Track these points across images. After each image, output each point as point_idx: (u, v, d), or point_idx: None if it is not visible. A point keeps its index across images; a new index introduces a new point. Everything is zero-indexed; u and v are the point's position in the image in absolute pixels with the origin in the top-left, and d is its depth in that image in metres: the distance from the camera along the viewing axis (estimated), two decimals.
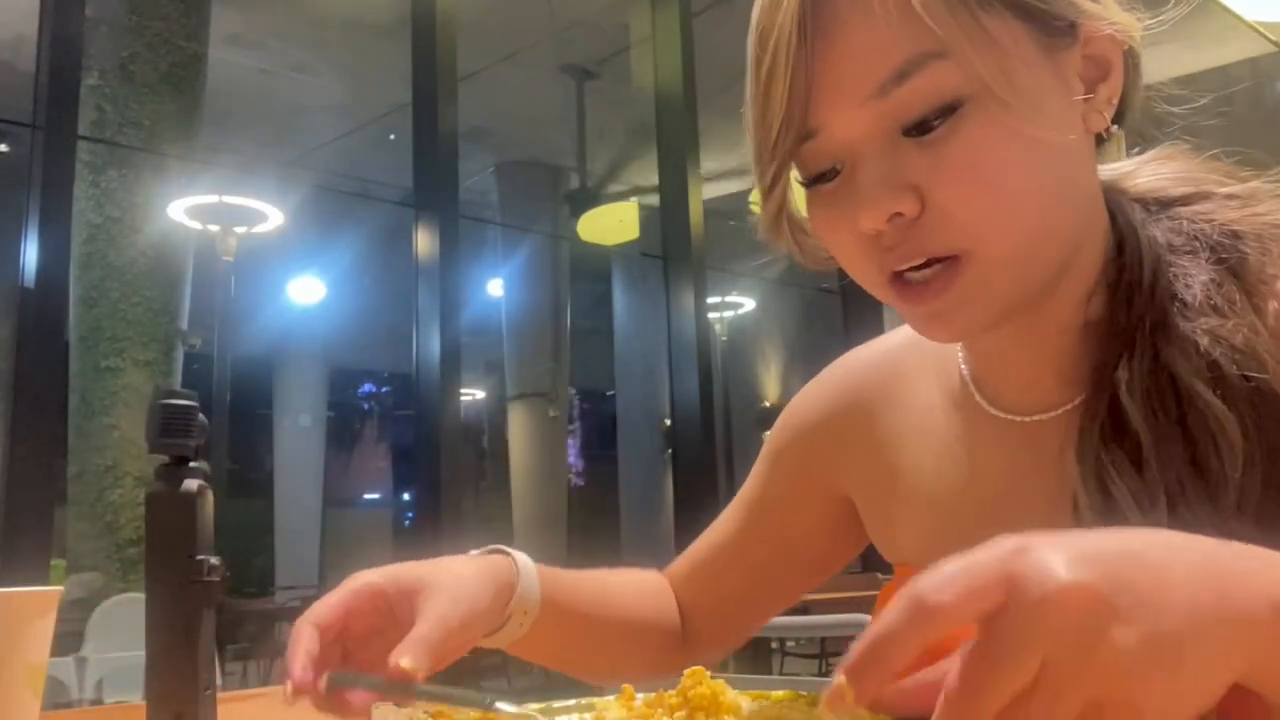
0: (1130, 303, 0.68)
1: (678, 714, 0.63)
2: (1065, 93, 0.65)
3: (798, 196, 0.74)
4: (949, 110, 0.62)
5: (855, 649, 0.42)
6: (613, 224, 8.64)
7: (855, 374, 0.91)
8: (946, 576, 0.42)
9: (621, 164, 10.20)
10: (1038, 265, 0.67)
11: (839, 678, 0.42)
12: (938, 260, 0.65)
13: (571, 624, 0.86)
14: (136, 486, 5.98)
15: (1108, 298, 0.70)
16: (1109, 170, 0.77)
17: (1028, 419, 0.74)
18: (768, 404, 11.77)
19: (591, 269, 11.97)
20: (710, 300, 8.07)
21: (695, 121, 6.95)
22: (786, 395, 12.05)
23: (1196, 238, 0.69)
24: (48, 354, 4.37)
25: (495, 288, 11.39)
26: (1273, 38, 8.10)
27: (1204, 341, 0.64)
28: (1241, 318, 0.64)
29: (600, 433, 16.27)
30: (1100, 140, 0.72)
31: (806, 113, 0.65)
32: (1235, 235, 0.68)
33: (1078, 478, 0.65)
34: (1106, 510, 0.63)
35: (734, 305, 11.21)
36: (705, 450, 6.73)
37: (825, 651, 6.24)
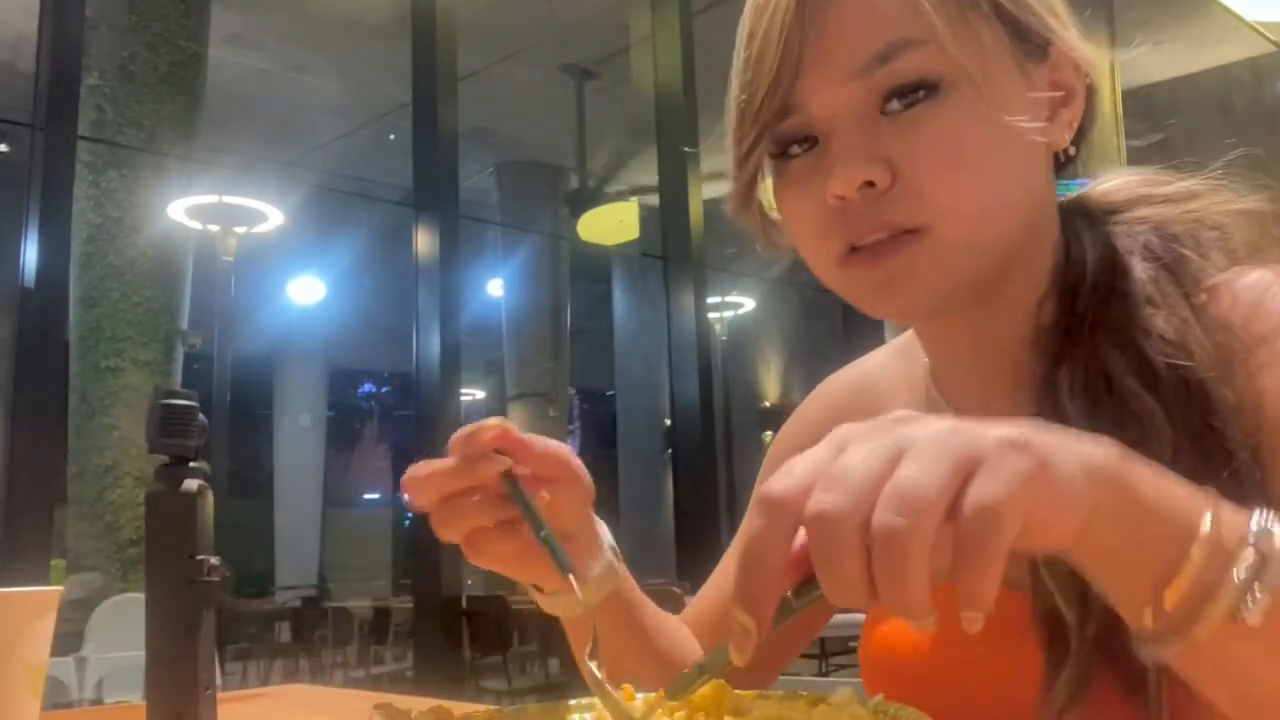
0: (1073, 306, 0.71)
1: (678, 714, 0.62)
2: (1033, 103, 0.68)
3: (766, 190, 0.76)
4: (927, 91, 0.65)
5: (737, 583, 0.44)
6: (612, 224, 8.64)
7: (838, 400, 0.93)
8: (782, 471, 0.45)
9: (621, 164, 10.20)
10: (988, 254, 0.69)
11: (738, 616, 0.44)
12: (897, 235, 0.67)
13: (631, 619, 0.87)
14: (136, 486, 5.98)
15: (1057, 302, 0.72)
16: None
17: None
18: (767, 404, 11.77)
19: (591, 269, 11.97)
20: (710, 300, 8.07)
21: (695, 121, 6.94)
22: (786, 395, 12.05)
23: (1135, 240, 0.72)
24: (48, 354, 4.37)
25: (495, 288, 11.40)
26: (1272, 37, 8.10)
27: (1137, 336, 0.67)
28: (1174, 310, 0.67)
29: (600, 433, 16.27)
30: (1059, 164, 0.75)
31: (793, 84, 0.68)
32: (1171, 236, 0.71)
33: None
34: None
35: (734, 305, 11.22)
36: (705, 450, 6.73)
37: (825, 651, 6.23)
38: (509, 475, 0.70)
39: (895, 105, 0.66)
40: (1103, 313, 0.69)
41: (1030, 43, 0.69)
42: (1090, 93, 0.73)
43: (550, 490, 0.73)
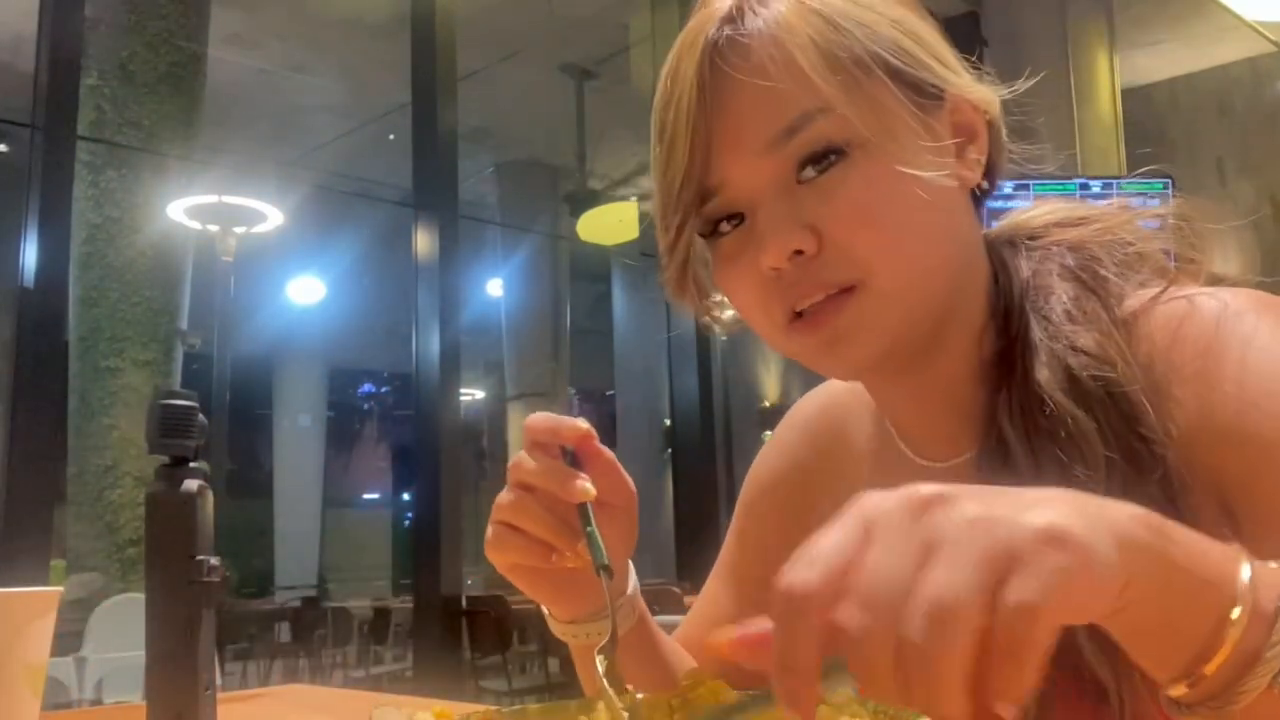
0: (1007, 332, 0.73)
1: (678, 715, 0.63)
2: (938, 149, 0.71)
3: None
4: (836, 155, 0.69)
5: (777, 683, 0.43)
6: (612, 224, 8.62)
7: (811, 421, 0.95)
8: (804, 561, 0.43)
9: (621, 164, 10.19)
10: (924, 300, 0.71)
11: (786, 714, 0.43)
12: (835, 295, 0.70)
13: (648, 650, 0.88)
14: (136, 486, 5.97)
15: (994, 336, 0.75)
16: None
17: (945, 465, 0.78)
18: (768, 404, 11.75)
19: (591, 269, 11.96)
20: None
21: None
22: (786, 394, 12.04)
23: (1054, 261, 0.75)
24: (47, 354, 4.37)
25: (495, 288, 11.38)
26: (1272, 37, 8.09)
27: (1063, 353, 0.69)
28: (1095, 325, 0.70)
29: (600, 432, 16.09)
30: (976, 198, 0.78)
31: (708, 168, 0.71)
32: (1089, 255, 0.74)
33: None
34: None
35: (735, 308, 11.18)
36: (705, 450, 6.72)
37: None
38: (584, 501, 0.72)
39: (810, 172, 0.69)
40: (1030, 334, 0.71)
41: (925, 95, 0.72)
42: (992, 127, 0.76)
43: (607, 516, 0.75)
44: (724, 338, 9.21)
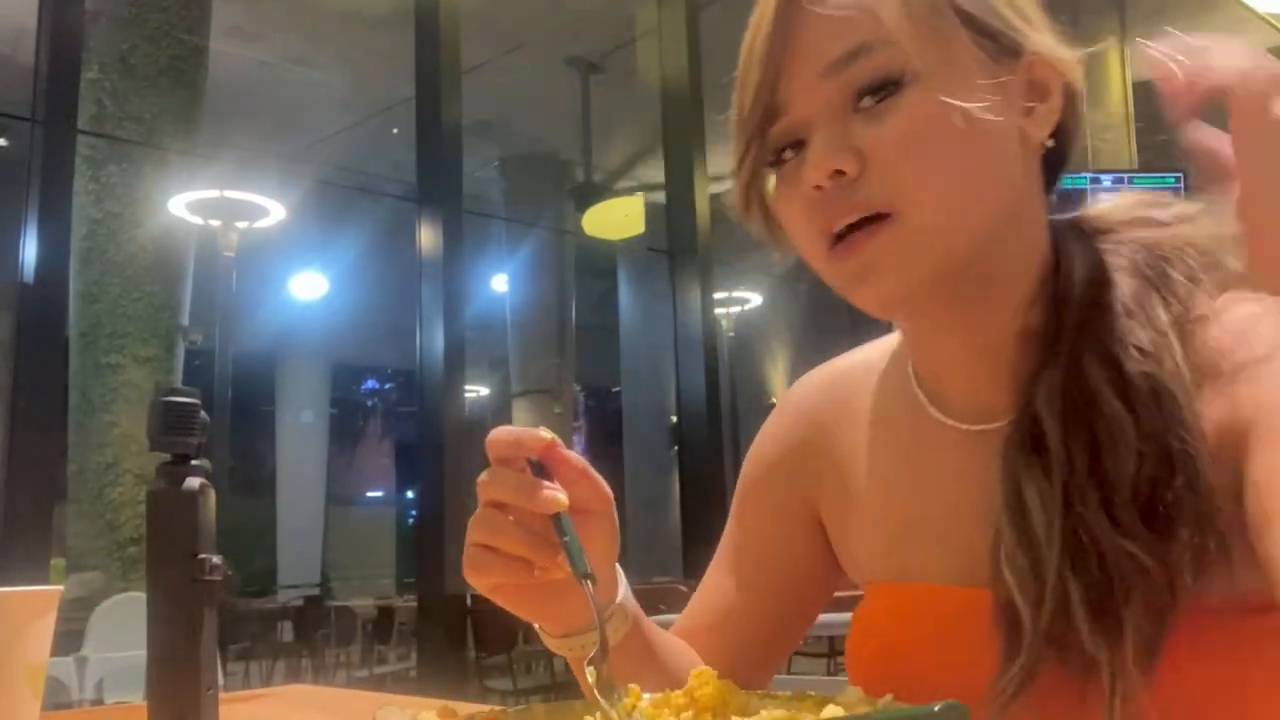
0: (1060, 314, 0.74)
1: (684, 714, 0.62)
2: (1004, 98, 0.72)
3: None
4: (892, 86, 0.71)
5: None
6: (618, 218, 8.61)
7: (809, 399, 0.95)
8: None
9: (627, 158, 10.18)
10: (961, 241, 0.72)
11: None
12: (870, 220, 0.71)
13: (647, 654, 0.87)
14: (137, 484, 5.96)
15: (1044, 311, 0.76)
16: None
17: (973, 428, 0.79)
18: (774, 400, 11.75)
19: (597, 264, 11.98)
20: (717, 295, 8.04)
21: (701, 115, 6.92)
22: None
23: (1123, 256, 0.76)
24: (48, 351, 4.36)
25: (499, 283, 11.39)
26: None
27: (1114, 347, 0.71)
28: (1153, 324, 0.71)
29: (606, 430, 16.24)
30: (1049, 166, 0.79)
31: (775, 90, 0.74)
32: (1161, 255, 0.75)
33: (997, 483, 0.71)
34: (1018, 512, 0.69)
35: (741, 300, 11.19)
36: (712, 447, 6.72)
37: (833, 650, 6.16)
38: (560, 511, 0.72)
39: (867, 101, 0.71)
40: (1086, 323, 0.73)
41: (1000, 45, 0.73)
42: (1069, 93, 0.77)
43: (585, 523, 0.75)
44: (731, 334, 9.22)
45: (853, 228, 0.72)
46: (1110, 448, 0.67)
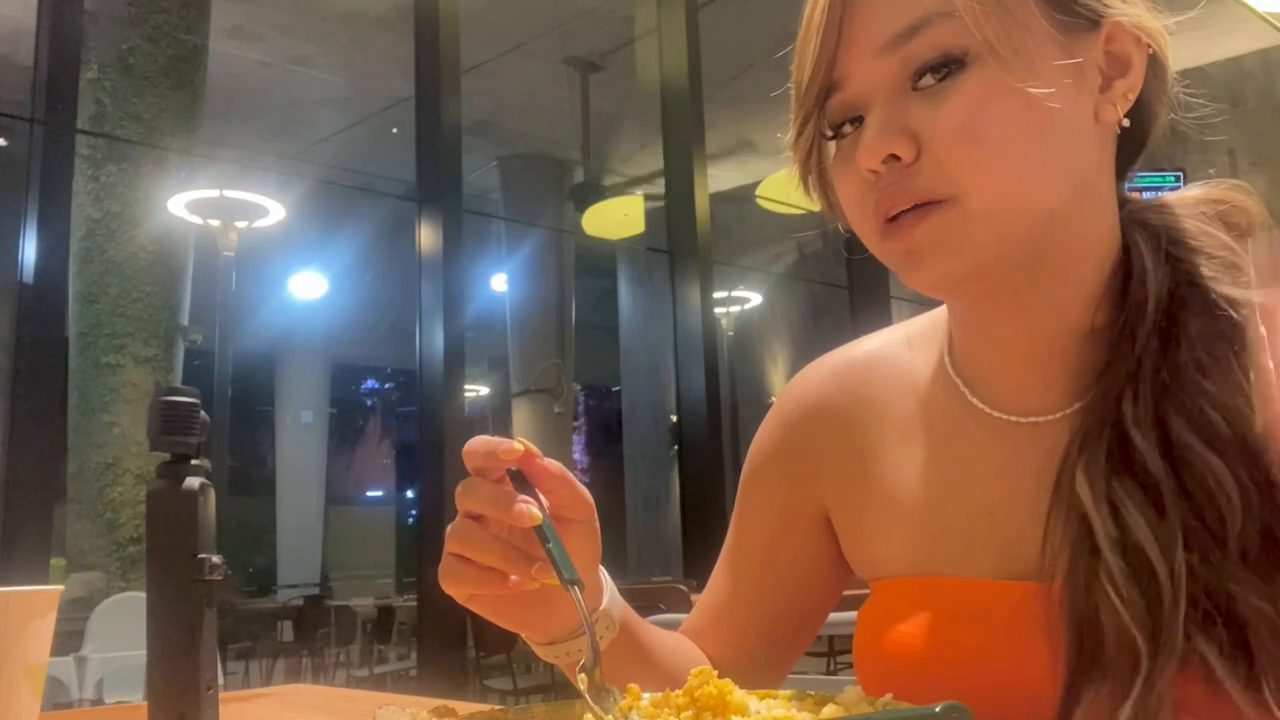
0: (1134, 337, 0.70)
1: (684, 714, 0.62)
2: (1077, 76, 0.69)
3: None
4: (954, 64, 0.67)
5: None
6: (618, 218, 8.62)
7: (811, 390, 0.93)
8: None
9: (626, 157, 10.17)
10: (1020, 229, 0.69)
11: None
12: (923, 205, 0.69)
13: (639, 655, 0.86)
14: (137, 484, 5.96)
15: (1112, 315, 0.72)
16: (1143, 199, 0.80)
17: (1023, 420, 0.76)
18: (775, 400, 11.75)
19: (596, 264, 11.96)
20: (717, 295, 8.03)
21: (701, 114, 6.91)
22: None
23: (1199, 290, 0.71)
24: (47, 350, 4.35)
25: (499, 283, 11.37)
26: None
27: (1194, 398, 0.67)
28: (1229, 375, 0.67)
29: (606, 429, 16.23)
30: (1127, 144, 0.75)
31: (834, 64, 0.72)
32: (1230, 300, 0.70)
33: (1089, 503, 0.67)
34: (1124, 542, 0.65)
35: (741, 300, 11.17)
36: (712, 447, 6.71)
37: (833, 650, 6.16)
38: (542, 517, 0.71)
39: (928, 80, 0.68)
40: (1162, 360, 0.69)
41: (1076, 16, 0.69)
42: (1155, 63, 0.72)
43: (566, 531, 0.74)
44: (731, 334, 9.22)
45: (906, 210, 0.70)
46: (1206, 496, 0.64)
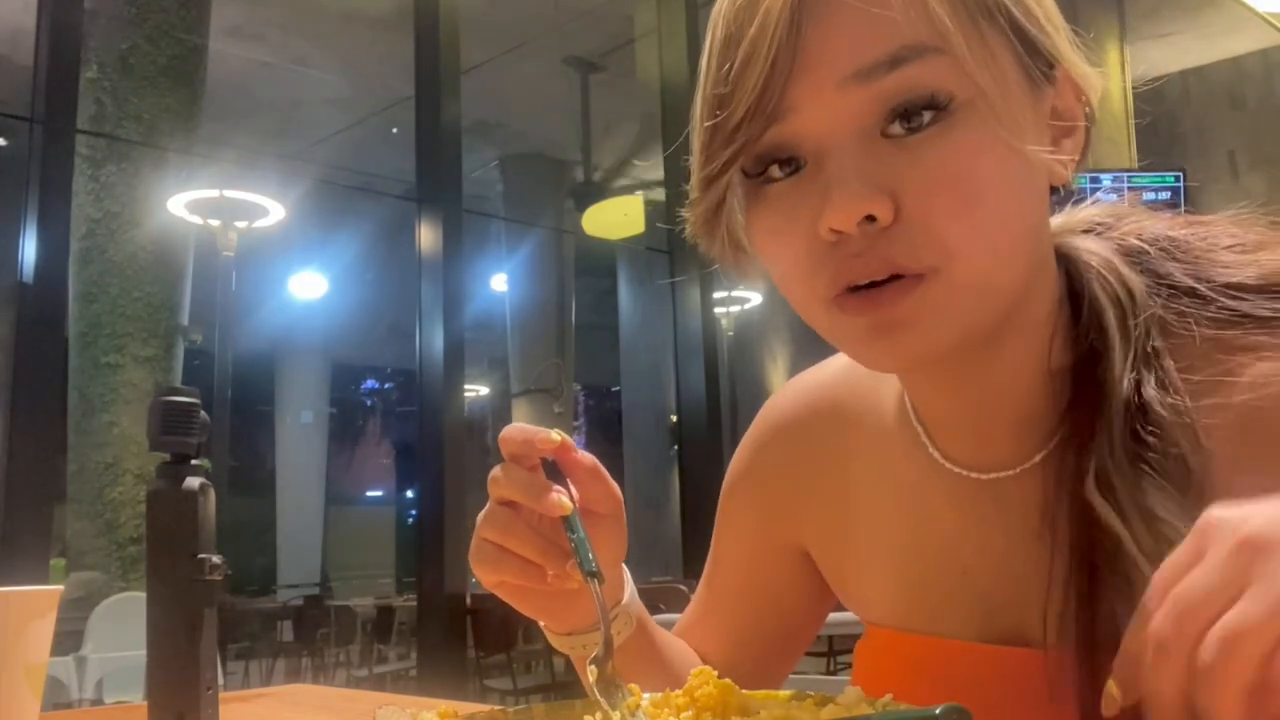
0: (1095, 365, 0.65)
1: (684, 714, 0.62)
2: (1042, 131, 0.62)
3: None
4: (936, 113, 0.58)
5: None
6: (618, 218, 8.60)
7: (785, 412, 0.88)
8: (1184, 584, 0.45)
9: (626, 157, 10.17)
10: (999, 296, 0.62)
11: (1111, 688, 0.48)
12: (899, 277, 0.59)
13: (652, 656, 0.85)
14: (136, 484, 5.96)
15: (1068, 352, 0.67)
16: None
17: (984, 476, 0.70)
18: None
19: (596, 264, 11.96)
20: (717, 295, 8.03)
21: None
22: None
23: (1136, 298, 0.67)
24: (47, 350, 4.35)
25: (499, 283, 11.37)
26: None
27: (1150, 404, 0.62)
28: (1177, 396, 0.62)
29: (605, 429, 16.23)
30: (1054, 193, 0.68)
31: (782, 93, 0.59)
32: (1174, 311, 0.66)
33: (1118, 524, 0.60)
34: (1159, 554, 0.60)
35: (741, 300, 11.16)
36: (712, 447, 6.71)
37: (833, 650, 6.16)
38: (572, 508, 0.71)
39: (898, 129, 0.58)
40: (1124, 386, 0.64)
41: (1040, 61, 0.62)
42: (1089, 121, 0.66)
43: (594, 524, 0.74)
44: (730, 334, 9.21)
45: (881, 281, 0.59)
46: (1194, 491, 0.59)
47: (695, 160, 0.65)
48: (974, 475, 0.70)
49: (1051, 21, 0.63)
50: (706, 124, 0.62)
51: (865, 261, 0.59)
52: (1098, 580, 0.61)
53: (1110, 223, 0.73)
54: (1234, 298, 0.65)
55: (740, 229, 0.68)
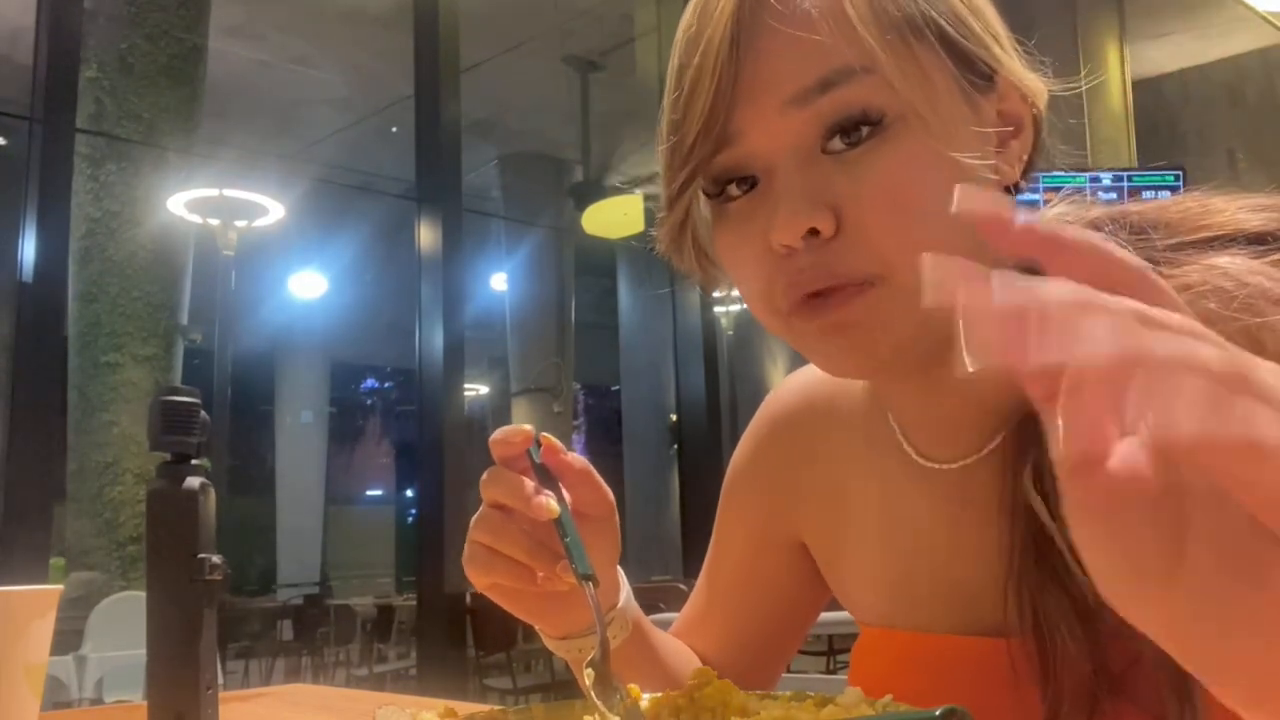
0: None
1: (684, 715, 0.62)
2: (982, 136, 0.65)
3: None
4: (872, 128, 0.62)
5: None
6: (617, 217, 8.60)
7: (785, 407, 0.90)
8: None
9: (626, 156, 10.16)
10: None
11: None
12: (846, 287, 0.63)
13: (649, 658, 0.86)
14: (136, 483, 5.95)
15: None
16: None
17: (953, 466, 0.73)
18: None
19: (596, 263, 11.96)
20: (717, 294, 8.03)
21: None
22: None
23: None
24: (46, 350, 4.35)
25: (499, 282, 11.37)
26: None
27: None
28: None
29: (605, 428, 16.23)
30: (1008, 192, 0.71)
31: (730, 116, 0.64)
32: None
33: (1047, 517, 0.63)
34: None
35: (741, 299, 11.21)
36: (711, 445, 6.71)
37: (832, 649, 6.16)
38: (561, 511, 0.71)
39: (837, 144, 0.62)
40: None
41: (976, 73, 0.65)
42: (1036, 123, 0.70)
43: (586, 527, 0.74)
44: (730, 333, 9.22)
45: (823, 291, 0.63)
46: None
47: (661, 179, 0.69)
48: (943, 466, 0.73)
49: (990, 31, 0.66)
50: (664, 147, 0.67)
51: (812, 273, 0.63)
52: (1044, 569, 0.63)
53: (1072, 219, 0.73)
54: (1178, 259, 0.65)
55: (708, 244, 0.72)
